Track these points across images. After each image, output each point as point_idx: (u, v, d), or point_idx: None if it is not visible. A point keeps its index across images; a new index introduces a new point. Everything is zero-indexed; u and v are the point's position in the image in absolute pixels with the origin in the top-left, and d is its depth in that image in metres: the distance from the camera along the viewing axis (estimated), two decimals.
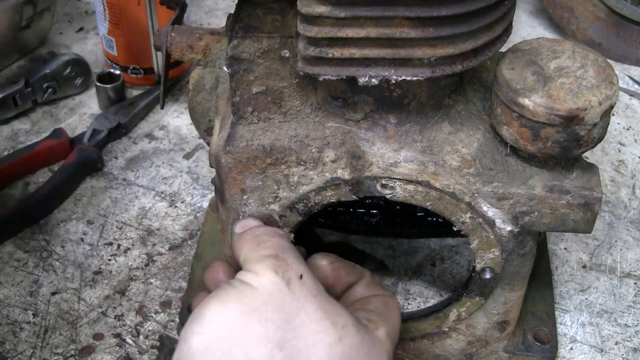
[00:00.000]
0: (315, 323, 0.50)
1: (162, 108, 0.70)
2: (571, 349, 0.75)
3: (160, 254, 0.82)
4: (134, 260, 0.81)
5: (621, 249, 0.85)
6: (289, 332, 0.49)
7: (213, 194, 0.87)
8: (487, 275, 0.64)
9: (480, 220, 0.60)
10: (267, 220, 0.62)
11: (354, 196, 0.61)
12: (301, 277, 0.52)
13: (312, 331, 0.50)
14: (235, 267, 0.58)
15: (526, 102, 0.55)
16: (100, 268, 0.80)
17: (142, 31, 0.98)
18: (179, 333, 0.74)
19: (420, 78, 0.54)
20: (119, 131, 0.96)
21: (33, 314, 0.76)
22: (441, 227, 0.73)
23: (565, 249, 0.85)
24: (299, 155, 0.59)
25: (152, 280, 0.79)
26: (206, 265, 0.63)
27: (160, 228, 0.85)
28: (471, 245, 0.62)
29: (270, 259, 0.53)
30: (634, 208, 0.90)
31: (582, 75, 0.57)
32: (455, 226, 0.62)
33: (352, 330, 0.51)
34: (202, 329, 0.50)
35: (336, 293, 0.60)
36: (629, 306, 0.79)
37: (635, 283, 0.81)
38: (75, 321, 0.75)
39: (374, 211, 0.76)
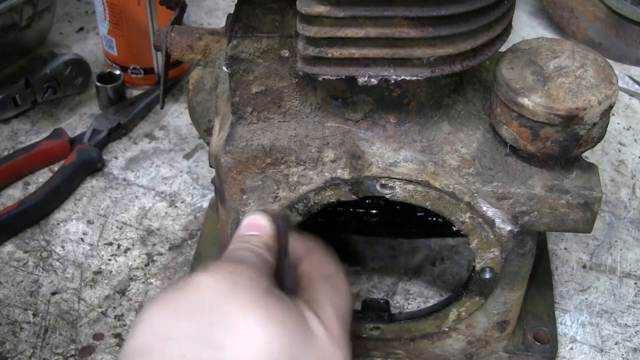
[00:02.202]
0: (251, 323, 0.49)
1: (162, 108, 0.70)
2: (571, 349, 0.75)
3: (160, 254, 0.82)
4: (134, 260, 0.81)
5: (621, 249, 0.85)
6: (220, 332, 0.49)
7: (213, 194, 0.87)
8: (487, 275, 0.64)
9: (480, 220, 0.60)
10: (276, 220, 0.61)
11: (353, 196, 0.61)
12: (235, 274, 0.51)
13: (246, 330, 0.49)
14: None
15: (526, 101, 0.55)
16: (100, 268, 0.80)
17: (142, 31, 0.98)
18: None
19: (419, 78, 0.54)
20: (119, 131, 0.96)
21: (33, 314, 0.76)
22: (441, 227, 0.73)
23: (565, 249, 0.85)
24: (298, 155, 0.59)
25: (152, 280, 0.79)
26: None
27: (160, 228, 0.85)
28: (471, 245, 0.62)
29: (230, 264, 0.53)
30: (634, 208, 0.90)
31: (581, 74, 0.57)
32: (455, 226, 0.62)
33: (292, 326, 0.51)
34: (137, 331, 0.50)
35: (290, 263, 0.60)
36: (629, 306, 0.79)
37: (635, 283, 0.81)
38: (75, 321, 0.75)
39: (374, 211, 0.76)
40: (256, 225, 0.59)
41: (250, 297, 0.50)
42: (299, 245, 0.60)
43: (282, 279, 0.57)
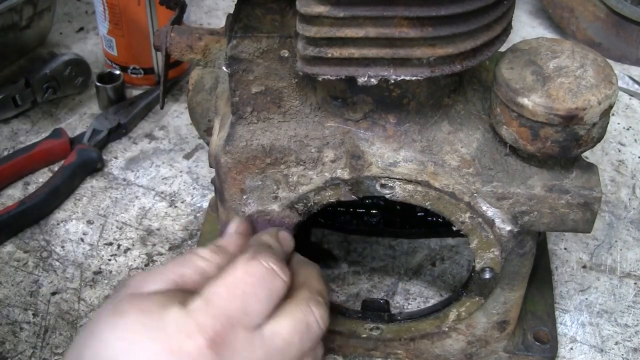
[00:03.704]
0: (101, 323, 0.51)
1: (161, 108, 0.70)
2: (571, 349, 0.75)
3: (160, 254, 0.82)
4: (134, 260, 0.81)
5: (621, 249, 0.85)
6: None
7: (213, 194, 0.87)
8: (487, 275, 0.64)
9: (480, 220, 0.60)
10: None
11: (353, 196, 0.61)
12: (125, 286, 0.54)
13: (96, 333, 0.51)
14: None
15: (525, 101, 0.55)
16: (100, 268, 0.80)
17: (142, 31, 0.98)
18: None
19: (419, 78, 0.54)
20: (119, 131, 0.96)
21: (33, 314, 0.76)
22: (441, 227, 0.73)
23: (565, 249, 0.85)
24: (298, 155, 0.59)
25: None
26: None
27: (160, 228, 0.85)
28: (471, 245, 0.62)
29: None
30: (634, 208, 0.90)
31: (581, 74, 0.57)
32: (454, 226, 0.62)
33: (135, 315, 0.51)
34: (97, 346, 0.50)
35: None
36: (629, 306, 0.79)
37: (635, 283, 0.81)
38: (75, 321, 0.75)
39: (374, 211, 0.76)
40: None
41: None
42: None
43: None
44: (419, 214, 0.74)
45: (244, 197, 0.62)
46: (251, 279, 0.53)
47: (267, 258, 0.54)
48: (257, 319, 0.52)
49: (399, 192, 0.60)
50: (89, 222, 0.85)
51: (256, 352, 0.51)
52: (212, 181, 0.67)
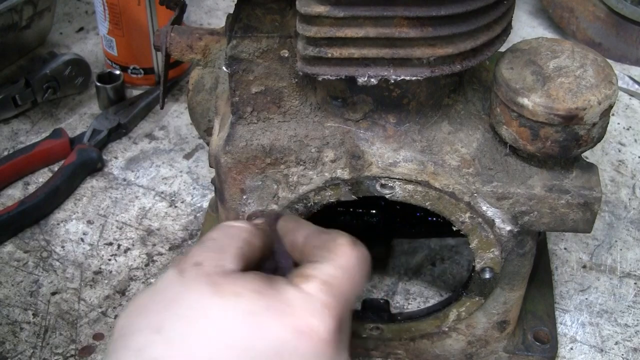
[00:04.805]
0: (203, 301, 0.48)
1: (161, 108, 0.70)
2: (571, 349, 0.75)
3: (160, 254, 0.82)
4: (134, 260, 0.81)
5: (621, 249, 0.85)
6: (170, 317, 0.48)
7: (213, 194, 0.87)
8: (487, 275, 0.64)
9: (480, 220, 0.60)
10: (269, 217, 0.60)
11: (353, 196, 0.61)
12: (199, 264, 0.50)
13: (199, 309, 0.48)
14: None
15: (525, 101, 0.55)
16: (100, 268, 0.80)
17: (142, 31, 0.98)
18: None
19: (419, 78, 0.54)
20: (119, 131, 0.96)
21: (33, 314, 0.76)
22: (441, 227, 0.73)
23: (565, 249, 0.85)
24: (298, 155, 0.59)
25: (152, 280, 0.79)
26: None
27: (160, 228, 0.85)
28: (471, 245, 0.62)
29: (178, 257, 0.53)
30: (634, 208, 0.90)
31: (581, 74, 0.57)
32: (454, 226, 0.62)
33: (250, 296, 0.48)
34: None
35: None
36: (629, 306, 0.79)
37: (635, 283, 0.81)
38: (75, 321, 0.75)
39: (374, 211, 0.76)
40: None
41: (204, 276, 0.49)
42: (289, 225, 0.58)
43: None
44: (418, 213, 0.74)
45: (244, 197, 0.62)
46: (360, 264, 0.53)
47: (361, 244, 0.55)
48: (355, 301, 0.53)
49: (399, 192, 0.60)
50: (89, 222, 0.85)
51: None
52: (212, 181, 0.67)
